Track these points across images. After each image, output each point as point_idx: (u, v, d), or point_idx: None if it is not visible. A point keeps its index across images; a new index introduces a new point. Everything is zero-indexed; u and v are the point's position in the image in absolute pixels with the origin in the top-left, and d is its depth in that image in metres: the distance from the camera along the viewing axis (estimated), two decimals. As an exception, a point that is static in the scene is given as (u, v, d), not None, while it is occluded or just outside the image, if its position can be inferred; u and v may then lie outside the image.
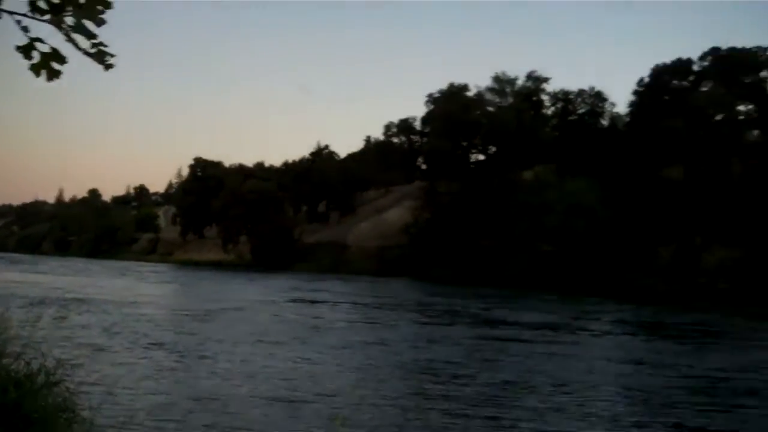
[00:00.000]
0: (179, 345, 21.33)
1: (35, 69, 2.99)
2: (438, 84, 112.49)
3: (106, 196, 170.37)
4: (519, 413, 14.31)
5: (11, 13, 2.90)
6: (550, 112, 78.02)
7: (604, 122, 76.91)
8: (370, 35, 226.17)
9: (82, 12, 2.95)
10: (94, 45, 3.01)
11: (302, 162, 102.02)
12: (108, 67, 3.08)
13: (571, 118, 77.17)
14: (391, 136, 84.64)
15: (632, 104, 71.71)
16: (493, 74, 76.36)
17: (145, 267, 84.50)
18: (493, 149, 75.58)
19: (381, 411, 13.95)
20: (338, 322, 30.76)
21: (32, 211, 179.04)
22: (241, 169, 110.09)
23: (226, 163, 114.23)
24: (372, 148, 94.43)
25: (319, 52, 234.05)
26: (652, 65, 71.06)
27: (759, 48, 65.01)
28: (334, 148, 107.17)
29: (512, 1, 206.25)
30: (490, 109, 75.58)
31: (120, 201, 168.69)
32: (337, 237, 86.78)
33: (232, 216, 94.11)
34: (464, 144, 76.49)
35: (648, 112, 66.60)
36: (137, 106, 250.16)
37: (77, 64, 3.24)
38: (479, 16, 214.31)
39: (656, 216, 57.89)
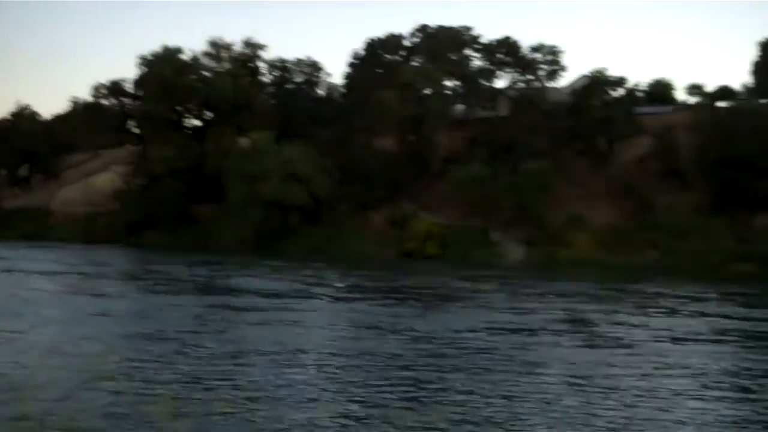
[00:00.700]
0: None
1: None
2: (151, 46, 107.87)
3: None
4: (248, 383, 14.59)
5: None
6: (268, 80, 79.18)
7: (321, 92, 79.37)
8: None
9: None
10: None
11: (1, 122, 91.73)
12: None
13: (288, 86, 79.16)
14: (100, 98, 79.21)
15: (347, 76, 75.34)
16: (208, 39, 75.41)
17: None
18: (210, 115, 74.92)
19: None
20: (56, 294, 28.83)
21: None
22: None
23: None
24: (79, 109, 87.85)
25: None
26: (366, 39, 74.60)
27: (464, 27, 70.46)
28: (37, 108, 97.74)
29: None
30: (207, 74, 74.58)
31: None
32: (41, 202, 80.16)
33: None
34: (179, 109, 74.71)
35: (362, 83, 69.83)
36: None
37: None
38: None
39: (370, 184, 61.17)
